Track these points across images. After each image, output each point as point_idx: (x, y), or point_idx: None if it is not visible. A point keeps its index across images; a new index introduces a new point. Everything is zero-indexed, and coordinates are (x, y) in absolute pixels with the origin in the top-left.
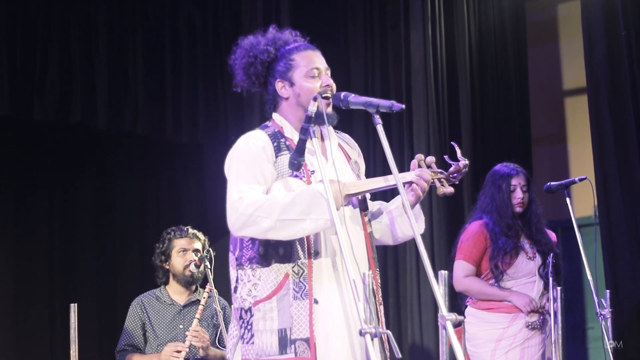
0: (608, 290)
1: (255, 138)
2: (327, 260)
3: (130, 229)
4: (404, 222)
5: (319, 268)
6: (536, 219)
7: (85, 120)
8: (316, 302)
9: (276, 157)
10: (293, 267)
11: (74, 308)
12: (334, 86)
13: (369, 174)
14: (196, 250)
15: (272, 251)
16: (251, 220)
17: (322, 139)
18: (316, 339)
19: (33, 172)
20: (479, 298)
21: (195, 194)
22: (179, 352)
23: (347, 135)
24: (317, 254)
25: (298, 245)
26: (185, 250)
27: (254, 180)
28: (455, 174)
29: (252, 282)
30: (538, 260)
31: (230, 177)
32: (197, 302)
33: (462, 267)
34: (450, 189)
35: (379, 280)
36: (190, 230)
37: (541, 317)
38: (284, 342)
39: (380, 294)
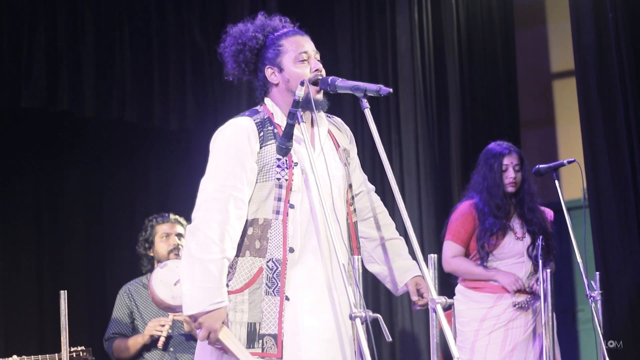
0: (598, 273)
1: (242, 127)
2: (302, 257)
3: (119, 215)
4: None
5: (293, 265)
6: (529, 198)
7: (73, 108)
8: (287, 299)
9: (261, 147)
10: (268, 262)
11: (64, 295)
12: (324, 71)
13: (360, 154)
14: (179, 235)
15: (248, 242)
16: (194, 229)
17: (312, 125)
18: (284, 336)
19: (20, 159)
20: (466, 278)
21: (184, 180)
22: (162, 325)
23: (339, 120)
24: (292, 250)
25: (274, 241)
26: (168, 234)
27: (232, 177)
28: None
29: None
30: (527, 240)
31: (210, 164)
32: None
33: (450, 247)
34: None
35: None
36: (172, 216)
37: (529, 298)
38: (253, 336)
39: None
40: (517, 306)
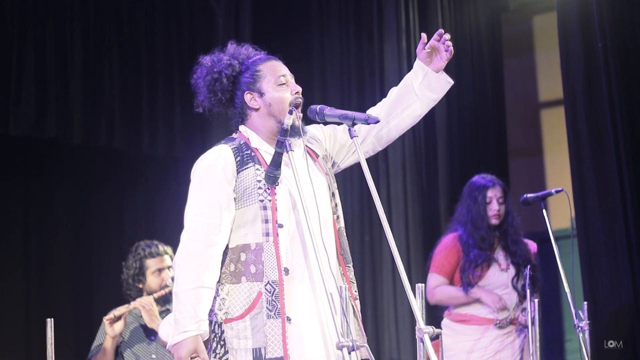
0: (586, 302)
1: (217, 155)
2: (298, 276)
3: (107, 243)
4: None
5: (290, 285)
6: (512, 231)
7: (61, 135)
8: (289, 320)
9: (238, 172)
10: (265, 285)
11: (50, 323)
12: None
13: (347, 182)
14: (170, 267)
15: (243, 269)
16: (174, 263)
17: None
18: (290, 357)
19: (8, 186)
20: (453, 305)
21: (171, 207)
22: (119, 316)
23: (307, 129)
24: (287, 270)
25: (269, 264)
26: (160, 269)
27: (207, 205)
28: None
29: (220, 297)
30: (512, 271)
31: (189, 195)
32: (168, 310)
33: (434, 279)
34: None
35: (351, 276)
36: (161, 248)
37: (509, 317)
38: None
39: (354, 289)
40: (498, 325)
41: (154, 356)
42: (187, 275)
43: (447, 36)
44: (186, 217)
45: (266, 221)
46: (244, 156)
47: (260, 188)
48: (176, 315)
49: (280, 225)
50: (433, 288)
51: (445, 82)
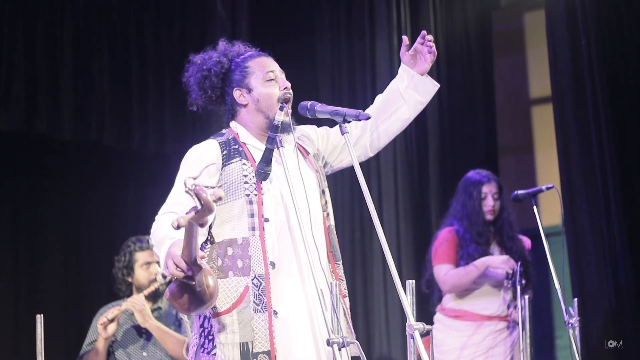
0: (576, 299)
1: (205, 151)
2: (285, 270)
3: (96, 239)
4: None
5: (276, 279)
6: (508, 227)
7: (51, 131)
8: (275, 313)
9: (224, 166)
10: (252, 279)
11: (39, 319)
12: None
13: (338, 179)
14: (159, 262)
15: (230, 263)
16: (151, 233)
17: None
18: (277, 352)
19: None
20: (466, 282)
21: (162, 203)
22: (112, 319)
23: (297, 128)
24: (273, 265)
25: (255, 258)
26: (149, 263)
27: (186, 198)
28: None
29: None
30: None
31: (174, 185)
32: (159, 308)
33: (442, 269)
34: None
35: (340, 274)
36: (151, 241)
37: (520, 270)
38: (246, 356)
39: (343, 287)
40: (508, 278)
41: (144, 354)
42: (165, 229)
43: (430, 37)
44: (164, 205)
45: (252, 215)
46: (231, 150)
47: (246, 183)
48: (158, 249)
49: (267, 219)
50: (443, 276)
51: (431, 85)
